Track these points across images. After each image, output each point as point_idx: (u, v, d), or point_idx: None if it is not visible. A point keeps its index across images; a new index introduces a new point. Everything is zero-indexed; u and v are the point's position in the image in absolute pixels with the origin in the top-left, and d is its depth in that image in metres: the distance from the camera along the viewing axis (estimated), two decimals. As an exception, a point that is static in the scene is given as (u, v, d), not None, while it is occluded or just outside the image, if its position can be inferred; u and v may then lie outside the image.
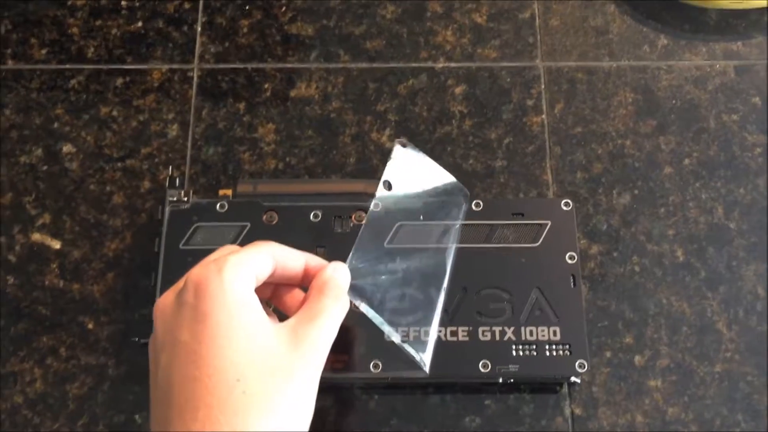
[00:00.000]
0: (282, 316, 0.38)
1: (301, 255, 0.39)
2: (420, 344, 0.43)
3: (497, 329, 0.45)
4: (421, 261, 0.45)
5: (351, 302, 0.39)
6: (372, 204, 0.48)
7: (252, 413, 0.32)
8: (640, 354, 0.49)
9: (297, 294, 0.40)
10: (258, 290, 0.36)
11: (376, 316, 0.41)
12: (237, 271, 0.34)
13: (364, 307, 0.40)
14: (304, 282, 0.39)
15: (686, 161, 0.54)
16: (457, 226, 0.48)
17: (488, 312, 0.46)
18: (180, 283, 0.35)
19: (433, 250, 0.46)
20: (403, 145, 0.45)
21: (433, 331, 0.44)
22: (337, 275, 0.38)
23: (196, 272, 0.34)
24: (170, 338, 0.34)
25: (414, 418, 0.47)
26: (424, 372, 0.43)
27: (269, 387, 0.33)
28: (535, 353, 0.45)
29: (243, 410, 0.32)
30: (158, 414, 0.33)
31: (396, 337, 0.42)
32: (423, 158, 0.47)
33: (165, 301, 0.35)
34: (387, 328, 0.41)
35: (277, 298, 0.40)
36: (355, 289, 0.40)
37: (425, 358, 0.42)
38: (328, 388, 0.47)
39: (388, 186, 0.44)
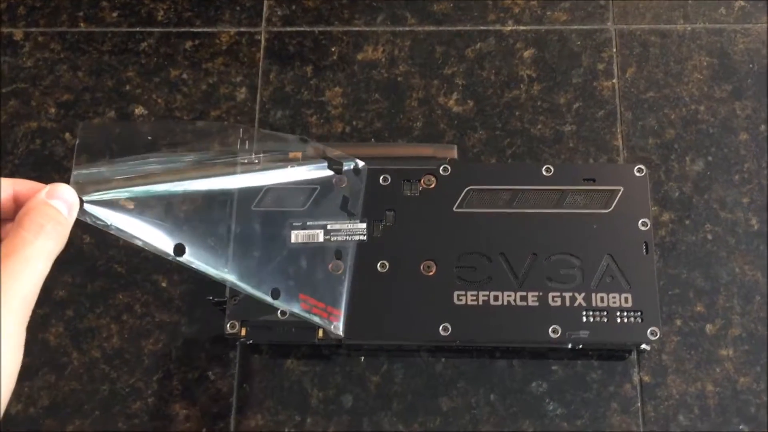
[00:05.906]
0: None
1: (8, 182, 0.32)
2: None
3: (567, 295, 0.45)
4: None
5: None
6: (441, 168, 0.48)
7: None
8: (712, 323, 0.48)
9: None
10: None
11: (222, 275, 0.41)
12: None
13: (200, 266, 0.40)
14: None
15: (762, 127, 0.52)
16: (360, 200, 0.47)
17: (558, 277, 0.45)
18: None
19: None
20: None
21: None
22: (51, 200, 0.31)
23: None
24: None
25: (481, 381, 0.47)
26: (339, 335, 0.44)
27: None
28: (606, 320, 0.44)
29: None
30: None
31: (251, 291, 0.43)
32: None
33: None
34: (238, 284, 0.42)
35: None
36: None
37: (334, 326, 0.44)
38: (394, 350, 0.48)
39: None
